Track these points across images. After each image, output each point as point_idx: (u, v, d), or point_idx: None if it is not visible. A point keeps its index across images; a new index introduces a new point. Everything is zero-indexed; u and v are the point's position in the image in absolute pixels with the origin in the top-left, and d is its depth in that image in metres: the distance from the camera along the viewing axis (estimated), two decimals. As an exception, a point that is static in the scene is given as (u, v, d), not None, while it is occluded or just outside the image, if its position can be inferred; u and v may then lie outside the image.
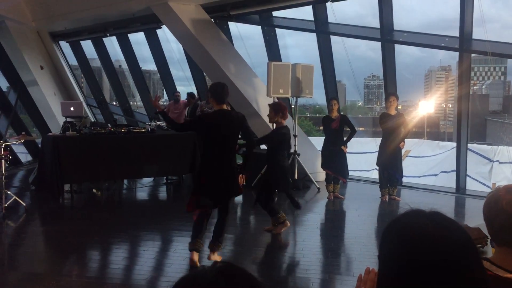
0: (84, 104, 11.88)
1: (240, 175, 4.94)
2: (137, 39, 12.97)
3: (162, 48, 12.09)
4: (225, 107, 4.93)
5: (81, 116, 9.53)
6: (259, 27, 10.29)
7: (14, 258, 5.29)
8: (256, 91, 9.58)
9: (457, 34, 7.94)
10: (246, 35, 11.38)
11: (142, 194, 8.96)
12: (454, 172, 8.78)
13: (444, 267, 0.96)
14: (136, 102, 16.69)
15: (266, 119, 9.15)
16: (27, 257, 5.29)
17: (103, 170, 8.25)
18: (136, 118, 13.57)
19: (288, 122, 8.59)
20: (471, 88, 11.17)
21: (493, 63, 75.18)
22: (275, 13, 9.96)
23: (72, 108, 9.58)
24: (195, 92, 11.79)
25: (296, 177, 8.80)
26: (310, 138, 10.90)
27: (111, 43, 12.90)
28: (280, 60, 10.00)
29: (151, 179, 9.68)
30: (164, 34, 11.76)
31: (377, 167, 8.11)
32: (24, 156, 12.54)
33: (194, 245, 4.87)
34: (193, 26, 9.25)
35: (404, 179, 8.23)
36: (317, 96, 10.65)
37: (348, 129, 7.94)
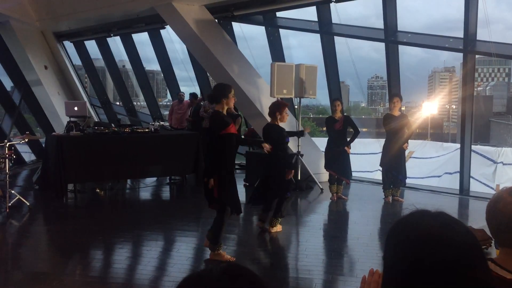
0: (88, 104, 11.93)
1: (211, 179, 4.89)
2: (141, 39, 12.99)
3: (166, 48, 12.12)
4: (223, 107, 4.94)
5: (84, 116, 9.56)
6: (262, 28, 10.29)
7: (18, 257, 5.30)
8: (260, 91, 9.58)
9: (461, 35, 7.92)
10: (249, 36, 11.39)
11: (145, 194, 8.97)
12: (458, 174, 8.75)
13: (450, 267, 0.96)
14: (140, 102, 16.72)
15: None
16: (31, 256, 5.30)
17: (107, 170, 8.27)
18: (140, 118, 13.60)
19: (291, 122, 8.63)
20: (475, 89, 11.16)
21: (497, 64, 74.92)
22: (278, 14, 9.96)
23: (76, 108, 9.61)
24: (198, 92, 11.81)
25: (299, 178, 8.80)
26: (313, 138, 10.90)
27: (115, 43, 12.93)
28: (284, 61, 10.00)
29: (154, 179, 9.69)
30: (168, 34, 11.79)
31: (381, 168, 8.10)
32: (28, 155, 12.58)
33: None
34: (197, 27, 9.26)
35: (407, 180, 8.21)
36: (321, 96, 10.65)
37: (351, 130, 7.92)
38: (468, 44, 7.83)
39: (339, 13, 9.44)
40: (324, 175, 8.84)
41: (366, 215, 7.30)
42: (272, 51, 10.33)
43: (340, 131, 7.84)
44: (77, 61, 13.95)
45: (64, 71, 13.20)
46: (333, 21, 9.36)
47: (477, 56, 8.49)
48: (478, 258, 0.99)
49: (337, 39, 9.60)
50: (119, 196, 8.87)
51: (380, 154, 7.97)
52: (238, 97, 8.89)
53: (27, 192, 8.50)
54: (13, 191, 7.20)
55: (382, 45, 8.87)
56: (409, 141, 8.02)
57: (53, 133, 9.04)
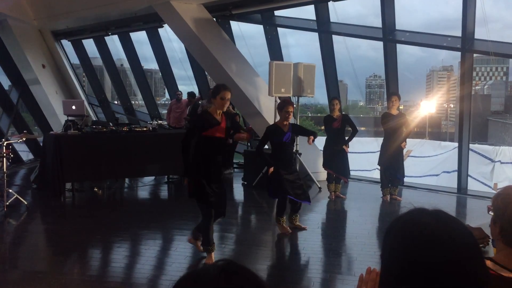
0: (85, 103, 11.89)
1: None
2: (139, 38, 12.97)
3: (164, 47, 12.10)
4: (214, 107, 4.84)
5: (82, 114, 9.53)
6: (261, 27, 10.28)
7: (16, 256, 5.30)
8: (258, 90, 9.58)
9: (459, 34, 7.92)
10: (248, 34, 11.39)
11: (143, 193, 8.96)
12: (456, 172, 8.77)
13: (447, 265, 0.96)
14: (138, 101, 16.67)
15: (268, 118, 9.18)
16: (29, 255, 5.30)
17: (105, 168, 8.26)
18: (138, 117, 13.58)
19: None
20: (473, 88, 11.17)
21: (495, 63, 74.97)
22: (277, 13, 9.95)
23: (73, 107, 9.59)
24: (196, 91, 11.80)
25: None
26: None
27: (113, 42, 12.91)
28: (282, 60, 10.00)
29: (152, 178, 9.68)
30: (166, 33, 11.77)
31: (379, 167, 8.10)
32: (25, 154, 12.56)
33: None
34: (195, 25, 9.25)
35: (405, 179, 8.22)
36: (319, 95, 10.62)
37: (349, 128, 7.93)
38: (466, 43, 7.83)
39: (337, 12, 9.47)
40: (323, 174, 8.84)
41: (364, 214, 7.31)
42: (270, 50, 10.32)
43: (338, 130, 7.84)
44: (75, 60, 13.94)
45: (62, 70, 13.17)
46: (331, 20, 9.36)
47: (475, 55, 8.49)
48: (475, 256, 0.99)
49: (335, 38, 9.61)
50: (117, 195, 8.86)
51: (378, 153, 7.98)
52: (236, 95, 8.93)
53: (25, 191, 8.49)
54: (10, 190, 7.19)
55: (380, 44, 8.88)
56: (407, 140, 8.03)
57: (51, 132, 9.03)
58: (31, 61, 12.00)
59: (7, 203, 6.91)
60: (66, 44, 13.45)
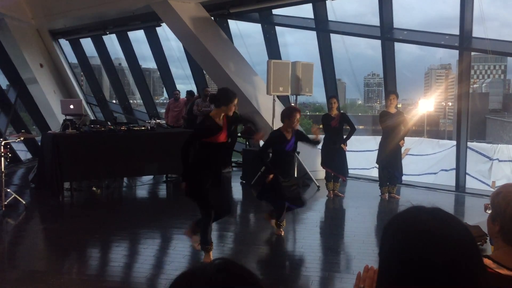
0: (83, 102, 11.88)
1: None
2: (137, 37, 13.00)
3: (162, 46, 12.10)
4: (220, 113, 4.74)
5: (80, 114, 9.52)
6: (259, 25, 10.28)
7: (14, 256, 5.29)
8: (256, 89, 9.58)
9: (457, 32, 7.93)
10: (246, 33, 11.39)
11: (141, 192, 8.95)
12: (454, 171, 8.78)
13: (445, 263, 0.96)
14: (136, 100, 16.67)
15: (266, 117, 9.18)
16: (27, 255, 5.29)
17: (103, 168, 8.25)
18: (136, 116, 13.57)
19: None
20: (471, 86, 11.18)
21: (493, 61, 75.06)
22: (275, 11, 9.95)
23: (71, 106, 9.57)
24: (194, 90, 11.80)
25: (296, 175, 8.80)
26: (309, 136, 10.87)
27: (111, 41, 12.91)
28: (280, 58, 9.99)
29: (151, 177, 9.68)
30: (164, 32, 11.77)
31: (377, 165, 8.11)
32: (23, 154, 12.54)
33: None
34: (193, 24, 9.24)
35: (404, 177, 8.23)
36: (317, 94, 10.61)
37: (348, 127, 7.93)
38: (464, 41, 7.84)
39: (335, 11, 9.45)
40: (321, 173, 8.85)
41: (362, 212, 7.32)
42: (268, 49, 10.32)
43: (336, 129, 7.85)
44: (72, 59, 13.92)
45: (60, 69, 13.15)
46: (329, 19, 9.36)
47: (473, 53, 8.50)
48: (473, 253, 1.00)
49: (333, 36, 9.61)
50: (115, 194, 8.85)
51: (377, 152, 7.99)
52: (234, 94, 8.93)
53: (23, 191, 8.48)
54: (9, 190, 7.17)
55: (378, 43, 8.88)
56: (405, 138, 8.04)
57: (49, 132, 9.01)
58: (29, 60, 11.98)
59: (5, 203, 6.89)
60: (64, 43, 13.45)
